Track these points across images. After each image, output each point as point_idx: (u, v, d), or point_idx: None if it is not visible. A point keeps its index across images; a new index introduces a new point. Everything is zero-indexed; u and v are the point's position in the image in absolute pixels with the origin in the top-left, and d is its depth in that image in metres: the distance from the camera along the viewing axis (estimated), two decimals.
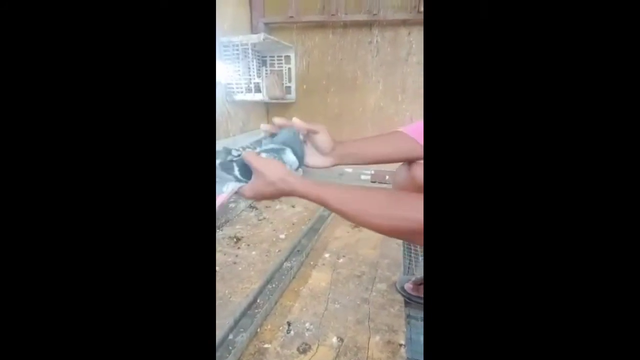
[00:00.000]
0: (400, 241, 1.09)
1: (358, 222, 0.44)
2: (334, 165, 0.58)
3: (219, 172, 0.50)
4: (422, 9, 1.49)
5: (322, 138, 0.55)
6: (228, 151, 0.54)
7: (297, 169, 0.54)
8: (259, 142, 0.55)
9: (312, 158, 0.57)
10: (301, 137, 0.55)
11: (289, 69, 1.72)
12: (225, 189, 0.50)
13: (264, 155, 0.51)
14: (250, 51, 1.43)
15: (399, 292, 0.86)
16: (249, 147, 0.54)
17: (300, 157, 0.53)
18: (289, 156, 0.52)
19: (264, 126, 0.56)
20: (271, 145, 0.53)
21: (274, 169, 0.48)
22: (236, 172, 0.50)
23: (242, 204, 1.39)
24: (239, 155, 0.52)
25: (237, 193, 0.51)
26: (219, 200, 0.50)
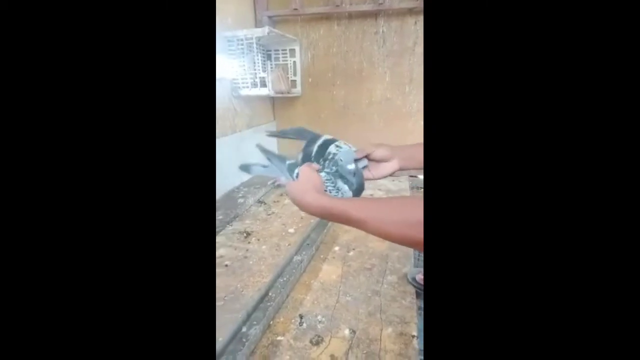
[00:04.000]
0: None
1: (382, 233, 0.42)
2: (400, 170, 0.60)
3: (283, 169, 0.58)
4: None
5: (379, 152, 0.58)
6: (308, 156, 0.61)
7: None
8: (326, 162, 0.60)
9: (377, 169, 0.60)
10: (352, 166, 0.57)
11: (294, 62, 1.71)
12: (282, 178, 0.58)
13: (323, 174, 0.56)
14: (254, 45, 1.42)
15: (410, 284, 0.86)
16: (319, 163, 0.60)
17: (352, 185, 0.57)
18: (341, 184, 0.57)
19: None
20: (334, 169, 0.57)
21: (306, 180, 0.51)
22: (295, 175, 0.56)
23: (251, 199, 1.39)
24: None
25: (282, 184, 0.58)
26: (277, 179, 0.60)
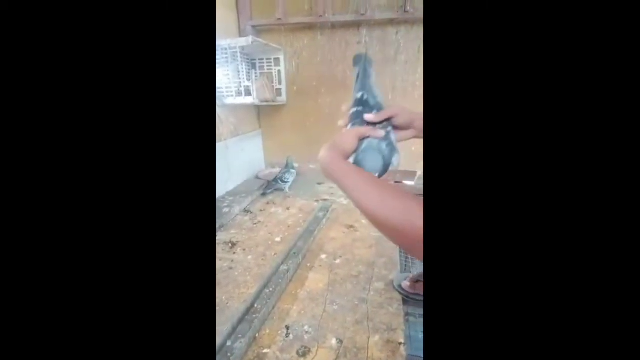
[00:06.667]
0: None
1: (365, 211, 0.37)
2: (414, 137, 0.54)
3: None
4: (408, 7, 1.50)
5: (401, 118, 0.53)
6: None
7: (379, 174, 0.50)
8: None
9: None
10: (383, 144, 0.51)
11: (279, 71, 1.72)
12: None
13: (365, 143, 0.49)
14: (239, 54, 1.43)
15: (397, 290, 0.86)
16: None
17: (384, 164, 0.50)
18: (375, 159, 0.49)
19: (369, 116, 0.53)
20: (375, 142, 0.50)
21: (336, 141, 0.46)
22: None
23: (236, 209, 1.38)
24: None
25: None
26: None
